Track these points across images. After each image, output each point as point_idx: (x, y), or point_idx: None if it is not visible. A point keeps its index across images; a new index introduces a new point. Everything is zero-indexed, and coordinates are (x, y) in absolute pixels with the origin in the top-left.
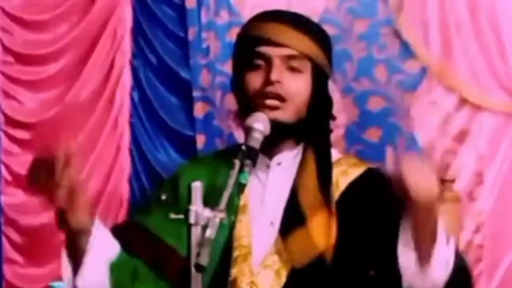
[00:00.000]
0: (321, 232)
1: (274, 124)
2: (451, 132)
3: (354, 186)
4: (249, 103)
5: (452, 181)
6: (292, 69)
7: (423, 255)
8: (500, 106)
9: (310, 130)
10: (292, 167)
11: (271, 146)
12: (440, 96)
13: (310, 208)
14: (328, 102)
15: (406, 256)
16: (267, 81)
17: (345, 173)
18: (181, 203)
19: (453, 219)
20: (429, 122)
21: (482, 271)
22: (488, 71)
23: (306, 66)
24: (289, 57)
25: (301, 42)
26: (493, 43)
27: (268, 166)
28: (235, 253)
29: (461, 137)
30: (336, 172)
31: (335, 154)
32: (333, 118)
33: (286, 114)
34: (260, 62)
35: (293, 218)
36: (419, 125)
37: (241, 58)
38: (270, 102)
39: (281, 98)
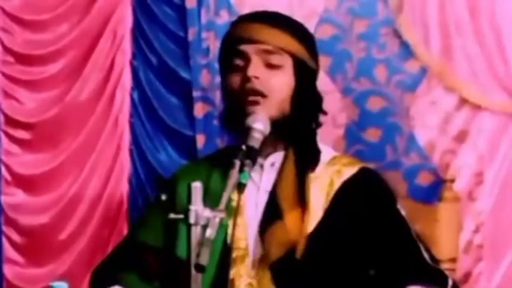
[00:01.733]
0: (297, 227)
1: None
2: (450, 132)
3: (348, 185)
4: (232, 104)
5: (452, 181)
6: (271, 66)
7: None
8: (500, 106)
9: (294, 126)
10: None
11: (264, 146)
12: (440, 96)
13: (287, 204)
14: (314, 97)
15: None
16: (245, 78)
17: (339, 172)
18: (178, 208)
19: (453, 219)
20: (429, 122)
21: (482, 271)
22: (488, 71)
23: (287, 62)
24: (266, 52)
25: (278, 38)
26: (493, 43)
27: (262, 167)
28: (233, 255)
29: (461, 137)
30: (330, 171)
31: (329, 152)
32: (324, 113)
33: (266, 109)
34: (239, 61)
35: (272, 214)
36: (419, 125)
37: (223, 60)
38: (250, 98)
39: (261, 94)
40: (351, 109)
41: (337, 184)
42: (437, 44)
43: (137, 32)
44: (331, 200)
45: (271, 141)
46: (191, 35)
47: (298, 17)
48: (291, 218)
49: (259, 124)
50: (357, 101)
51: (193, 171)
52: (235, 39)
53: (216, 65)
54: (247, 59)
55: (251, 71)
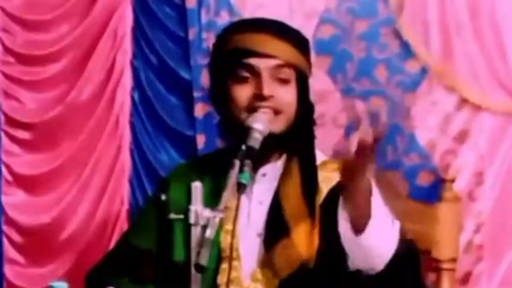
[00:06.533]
0: (305, 242)
1: (268, 136)
2: (451, 132)
3: (333, 192)
4: (237, 116)
5: (453, 181)
6: (281, 80)
7: (358, 225)
8: (500, 106)
9: (297, 139)
10: (276, 178)
11: (257, 158)
12: (441, 97)
13: (294, 218)
14: (311, 107)
15: (343, 226)
16: (260, 96)
17: (327, 178)
18: (172, 209)
19: (453, 219)
20: (430, 122)
21: (482, 271)
22: (488, 71)
23: (292, 75)
24: (277, 68)
25: (286, 52)
26: (493, 43)
27: (253, 178)
28: (224, 264)
29: (461, 137)
30: (320, 178)
31: (318, 157)
32: (314, 123)
33: (278, 125)
34: (247, 74)
35: (277, 229)
36: (419, 125)
37: (224, 70)
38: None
39: (275, 111)
40: (351, 109)
41: (325, 191)
42: (437, 44)
43: (138, 32)
44: (319, 207)
45: (265, 153)
46: (191, 35)
47: (298, 16)
48: (298, 233)
49: (259, 124)
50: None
51: (185, 174)
52: (241, 50)
53: None
54: (256, 73)
55: (267, 90)
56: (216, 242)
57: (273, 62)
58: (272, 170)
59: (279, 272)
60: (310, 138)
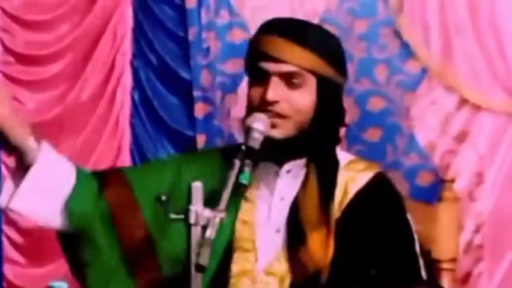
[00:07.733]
0: (320, 249)
1: (272, 141)
2: (451, 132)
3: (362, 194)
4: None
5: (452, 181)
6: (293, 85)
7: None
8: (500, 106)
9: (312, 144)
10: (300, 175)
11: (279, 154)
12: (441, 97)
13: (310, 225)
14: (337, 112)
15: None
16: (264, 101)
17: (353, 179)
18: (181, 201)
19: (453, 219)
20: (429, 122)
21: (482, 271)
22: (488, 71)
23: (309, 81)
24: (289, 73)
25: (302, 58)
26: (493, 43)
27: (277, 173)
28: (237, 255)
29: (461, 137)
30: (345, 178)
31: (345, 156)
32: (345, 125)
33: (285, 131)
34: (260, 76)
35: (295, 234)
36: (419, 125)
37: (247, 69)
38: (270, 120)
39: (281, 116)
40: (351, 109)
41: (352, 192)
42: (437, 44)
43: (138, 32)
44: (345, 208)
45: (285, 151)
46: (191, 35)
47: (299, 17)
48: (314, 240)
49: (259, 124)
50: (357, 101)
51: (197, 167)
52: (258, 52)
53: (217, 66)
54: (267, 77)
55: (270, 95)
56: (230, 231)
57: (284, 68)
58: (297, 167)
59: (294, 277)
60: (329, 144)
